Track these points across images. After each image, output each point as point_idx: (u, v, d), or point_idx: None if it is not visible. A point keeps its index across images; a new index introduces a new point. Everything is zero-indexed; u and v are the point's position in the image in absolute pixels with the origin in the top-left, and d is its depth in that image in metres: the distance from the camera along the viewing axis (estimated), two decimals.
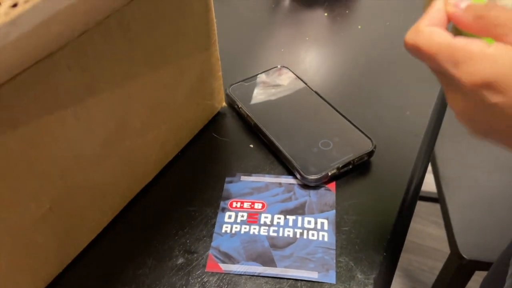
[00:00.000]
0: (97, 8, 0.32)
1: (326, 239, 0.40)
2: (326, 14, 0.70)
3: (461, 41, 0.25)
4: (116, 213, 0.43)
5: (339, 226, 0.41)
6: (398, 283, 1.28)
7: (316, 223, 0.41)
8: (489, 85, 0.24)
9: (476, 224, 0.80)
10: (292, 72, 0.56)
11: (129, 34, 0.36)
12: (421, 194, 0.50)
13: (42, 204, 0.34)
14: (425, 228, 1.39)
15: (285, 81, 0.55)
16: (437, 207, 1.07)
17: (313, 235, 0.40)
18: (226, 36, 0.59)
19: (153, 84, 0.41)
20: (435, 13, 0.27)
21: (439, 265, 0.91)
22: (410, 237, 1.37)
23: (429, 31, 0.26)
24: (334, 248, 0.39)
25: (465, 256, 0.76)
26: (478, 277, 0.72)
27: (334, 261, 0.38)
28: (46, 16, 0.25)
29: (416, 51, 0.27)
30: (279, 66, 0.57)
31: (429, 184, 0.94)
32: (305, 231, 0.41)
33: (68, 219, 0.37)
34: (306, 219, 0.42)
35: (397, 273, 1.30)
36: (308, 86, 0.54)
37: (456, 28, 0.27)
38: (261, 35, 0.67)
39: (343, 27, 0.68)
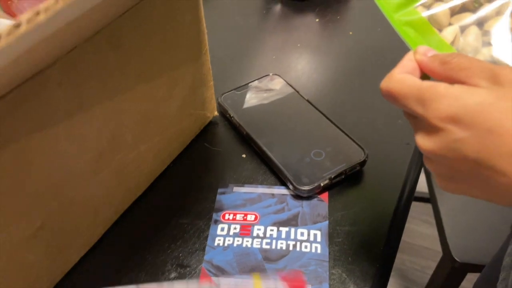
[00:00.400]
0: (88, 26, 0.31)
1: (319, 251, 0.40)
2: (317, 20, 0.70)
3: (428, 83, 0.27)
4: (108, 226, 0.43)
5: (332, 237, 0.41)
6: (391, 282, 1.28)
7: (309, 234, 0.41)
8: (454, 120, 0.25)
9: (468, 227, 0.81)
10: (284, 80, 0.56)
11: (120, 49, 0.36)
12: None
13: (33, 221, 0.34)
14: (417, 227, 1.40)
15: (277, 86, 0.55)
16: (428, 206, 1.08)
17: (306, 247, 0.40)
18: (217, 43, 0.59)
19: (145, 97, 0.41)
20: (407, 62, 0.30)
21: (432, 264, 0.92)
22: (402, 236, 1.38)
23: (401, 78, 0.28)
24: (327, 260, 0.39)
25: (457, 259, 0.77)
26: (473, 276, 0.72)
27: (327, 273, 0.38)
28: (45, 35, 0.24)
29: (389, 96, 0.29)
30: (270, 74, 0.57)
31: (420, 183, 0.95)
32: (298, 243, 0.41)
33: (60, 236, 0.37)
34: (299, 230, 0.42)
35: None
36: (300, 95, 0.54)
37: (426, 76, 0.29)
38: (253, 41, 0.67)
39: (335, 33, 0.68)
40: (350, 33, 0.68)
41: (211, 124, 0.54)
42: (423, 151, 0.28)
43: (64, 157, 0.35)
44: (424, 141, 0.27)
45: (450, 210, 0.84)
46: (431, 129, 0.26)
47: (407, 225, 0.45)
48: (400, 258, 1.34)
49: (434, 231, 1.05)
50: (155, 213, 0.44)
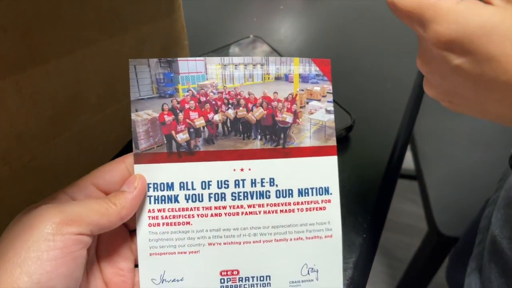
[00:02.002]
0: None
1: None
2: None
3: None
4: None
5: None
6: (375, 260, 1.28)
7: None
8: (451, 45, 0.22)
9: (454, 201, 0.79)
10: (267, 43, 0.53)
11: None
12: None
13: None
14: (401, 205, 1.39)
15: (258, 49, 0.52)
16: (412, 184, 1.06)
17: None
18: (192, 3, 0.54)
19: (110, 54, 0.37)
20: None
21: (416, 241, 0.90)
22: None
23: None
24: None
25: (443, 233, 0.75)
26: None
27: None
28: None
29: (393, 9, 0.26)
30: (251, 36, 0.53)
31: (405, 161, 0.93)
32: None
33: (15, 207, 0.33)
34: None
35: None
36: None
37: None
38: (231, 2, 0.62)
39: None
40: None
41: None
42: (423, 73, 0.27)
43: (14, 117, 0.31)
44: (422, 64, 0.26)
45: (436, 184, 0.82)
46: (429, 52, 0.24)
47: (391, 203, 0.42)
48: (384, 236, 1.33)
49: (418, 209, 1.04)
50: None
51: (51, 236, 0.24)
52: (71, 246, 0.25)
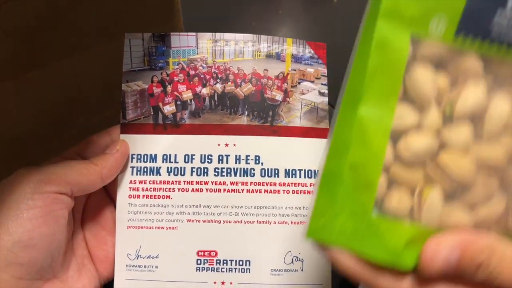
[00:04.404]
0: None
1: None
2: None
3: None
4: None
5: None
6: None
7: None
8: None
9: None
10: None
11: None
12: None
13: None
14: None
15: None
16: None
17: None
18: (190, 7, 0.55)
19: (110, 57, 0.36)
20: None
21: None
22: None
23: None
24: None
25: None
26: None
27: None
28: None
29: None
30: None
31: None
32: None
33: None
34: None
35: None
36: None
37: None
38: (229, 6, 0.63)
39: (318, 1, 0.64)
40: (334, 0, 0.64)
41: None
42: None
43: (14, 118, 0.31)
44: None
45: None
46: None
47: None
48: None
49: None
50: None
51: (30, 195, 0.24)
52: (51, 205, 0.25)
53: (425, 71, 0.19)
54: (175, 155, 0.29)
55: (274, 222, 0.28)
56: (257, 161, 0.29)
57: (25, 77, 0.31)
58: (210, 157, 0.29)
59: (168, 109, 0.29)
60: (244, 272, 0.28)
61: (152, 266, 0.28)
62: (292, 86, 0.30)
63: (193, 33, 0.30)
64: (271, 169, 0.29)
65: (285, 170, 0.29)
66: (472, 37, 0.18)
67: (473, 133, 0.19)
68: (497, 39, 0.18)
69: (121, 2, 0.36)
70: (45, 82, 0.32)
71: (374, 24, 0.19)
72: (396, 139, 0.19)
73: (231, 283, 0.28)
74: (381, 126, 0.19)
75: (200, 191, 0.28)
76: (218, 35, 0.30)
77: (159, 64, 0.29)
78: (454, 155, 0.19)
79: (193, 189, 0.28)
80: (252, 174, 0.29)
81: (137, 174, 0.28)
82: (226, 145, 0.29)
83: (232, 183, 0.28)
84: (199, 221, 0.28)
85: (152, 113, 0.29)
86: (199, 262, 0.28)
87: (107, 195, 0.29)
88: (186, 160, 0.29)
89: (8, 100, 0.30)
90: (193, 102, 0.29)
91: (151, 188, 0.28)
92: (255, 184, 0.28)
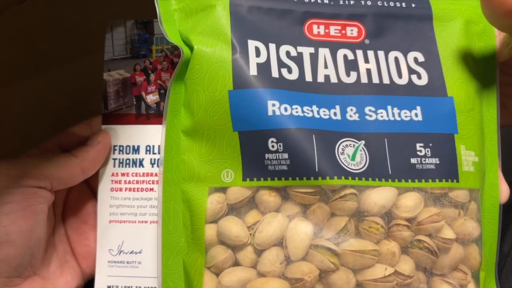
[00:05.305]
0: None
1: None
2: None
3: None
4: None
5: None
6: None
7: None
8: None
9: None
10: None
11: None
12: None
13: None
14: None
15: None
16: None
17: None
18: None
19: None
20: None
21: None
22: None
23: None
24: None
25: None
26: None
27: None
28: None
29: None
30: None
31: None
32: None
33: None
34: None
35: None
36: None
37: None
38: None
39: None
40: None
41: None
42: None
43: (18, 122, 0.31)
44: None
45: None
46: None
47: None
48: None
49: None
50: None
51: (6, 189, 0.23)
52: (29, 200, 0.24)
53: (229, 220, 0.22)
54: (159, 146, 0.27)
55: None
56: None
57: (28, 82, 0.31)
58: None
59: (151, 98, 0.28)
60: None
61: (135, 262, 0.27)
62: None
63: None
64: None
65: None
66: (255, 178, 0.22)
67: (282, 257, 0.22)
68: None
69: (123, 7, 0.36)
70: (48, 87, 0.32)
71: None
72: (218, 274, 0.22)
73: None
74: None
75: None
76: None
77: (142, 52, 0.28)
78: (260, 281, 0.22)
79: None
80: None
81: (119, 166, 0.27)
82: None
83: None
84: None
85: (134, 102, 0.28)
86: None
87: (88, 188, 0.28)
88: None
89: (12, 105, 0.30)
90: None
91: (133, 180, 0.27)
92: None
